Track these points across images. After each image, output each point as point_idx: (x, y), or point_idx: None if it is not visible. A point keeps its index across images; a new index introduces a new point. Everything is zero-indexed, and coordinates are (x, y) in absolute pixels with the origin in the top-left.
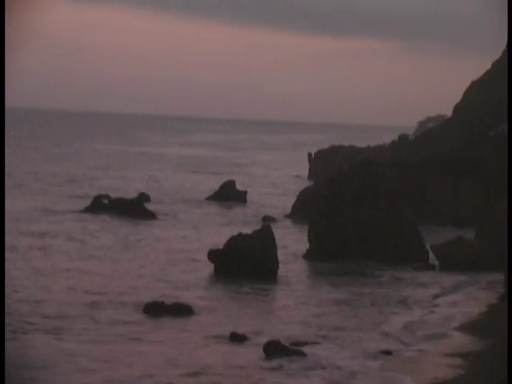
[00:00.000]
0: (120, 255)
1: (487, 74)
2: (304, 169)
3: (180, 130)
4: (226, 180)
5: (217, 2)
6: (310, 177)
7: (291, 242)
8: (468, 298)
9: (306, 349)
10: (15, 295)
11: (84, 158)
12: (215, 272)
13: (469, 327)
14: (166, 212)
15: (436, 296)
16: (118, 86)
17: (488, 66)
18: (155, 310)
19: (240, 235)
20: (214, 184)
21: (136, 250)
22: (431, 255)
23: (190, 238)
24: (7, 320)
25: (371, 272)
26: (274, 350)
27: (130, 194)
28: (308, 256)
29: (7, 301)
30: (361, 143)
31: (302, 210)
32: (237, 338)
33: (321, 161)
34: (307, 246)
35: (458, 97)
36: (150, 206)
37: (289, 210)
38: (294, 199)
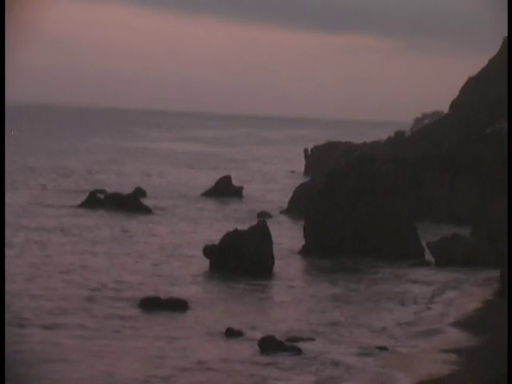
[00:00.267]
0: (116, 250)
1: (484, 71)
2: (300, 164)
3: (178, 126)
4: (222, 175)
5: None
6: (306, 172)
7: (287, 237)
8: (463, 295)
9: (301, 344)
10: (11, 289)
11: (81, 153)
12: (210, 268)
13: (464, 323)
14: (162, 207)
15: (431, 292)
16: (118, 82)
17: (485, 63)
18: (151, 304)
19: (236, 231)
20: (210, 179)
21: (132, 245)
22: (427, 252)
23: (186, 234)
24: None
25: (367, 268)
26: (269, 345)
27: (127, 189)
28: (304, 252)
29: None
30: (358, 139)
31: (298, 205)
32: (232, 334)
33: (317, 157)
34: (303, 242)
35: (454, 93)
36: (146, 201)
37: (285, 206)
38: (290, 195)
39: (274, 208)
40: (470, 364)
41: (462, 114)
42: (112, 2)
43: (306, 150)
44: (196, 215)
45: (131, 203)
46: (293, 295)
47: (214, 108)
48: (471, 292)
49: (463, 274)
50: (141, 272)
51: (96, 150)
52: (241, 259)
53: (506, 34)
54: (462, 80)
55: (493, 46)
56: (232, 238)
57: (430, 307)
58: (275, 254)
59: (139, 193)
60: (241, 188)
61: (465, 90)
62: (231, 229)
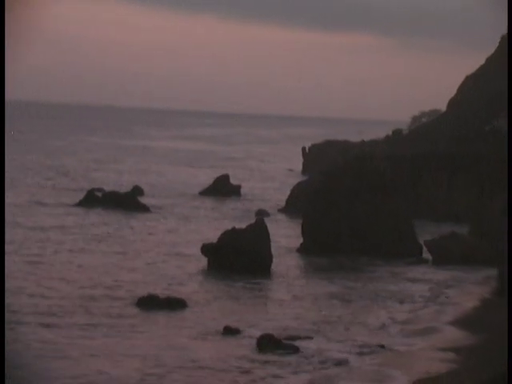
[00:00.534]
0: (113, 249)
1: (481, 69)
2: (298, 163)
3: (176, 124)
4: (220, 174)
5: None
6: (304, 171)
7: (285, 236)
8: (461, 293)
9: (299, 343)
10: (8, 287)
11: (79, 152)
12: (208, 266)
13: (462, 322)
14: (160, 206)
15: (429, 291)
16: (117, 81)
17: (482, 61)
18: (149, 303)
19: (234, 229)
20: (208, 178)
21: (129, 244)
22: (425, 250)
23: (183, 232)
24: None
25: (365, 266)
26: (267, 343)
27: (124, 187)
28: (302, 250)
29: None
30: (356, 138)
31: (296, 204)
32: (230, 332)
33: (315, 155)
34: (301, 240)
35: (452, 92)
36: (143, 200)
37: (283, 204)
38: (288, 193)
39: (271, 206)
40: (468, 362)
41: (460, 113)
42: (110, 1)
43: (303, 149)
44: (194, 214)
45: (129, 202)
46: (291, 293)
47: (213, 106)
48: (469, 290)
49: (461, 272)
50: (138, 270)
51: (94, 149)
52: (239, 257)
53: (504, 33)
54: (460, 78)
55: (490, 45)
56: (230, 236)
57: (428, 305)
58: (273, 252)
59: (137, 191)
60: (239, 186)
61: (462, 88)
62: (229, 227)
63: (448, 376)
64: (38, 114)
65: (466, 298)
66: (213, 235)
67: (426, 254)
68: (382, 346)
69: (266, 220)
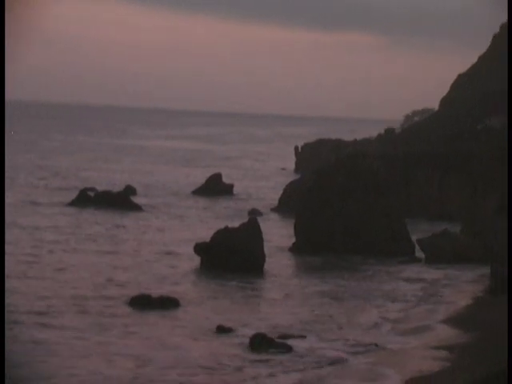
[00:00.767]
0: (106, 248)
1: (474, 67)
2: (291, 162)
3: (171, 124)
4: (212, 173)
5: None
6: (296, 170)
7: (277, 235)
8: (454, 291)
9: (291, 342)
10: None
11: (72, 151)
12: (201, 265)
13: (454, 320)
14: (153, 205)
15: (421, 289)
16: (113, 81)
17: (474, 59)
18: (142, 303)
19: (226, 229)
20: (201, 177)
21: (122, 243)
22: (417, 248)
23: (176, 232)
24: None
25: (357, 265)
26: (260, 342)
27: (117, 187)
28: (294, 249)
29: None
30: (349, 136)
31: (289, 203)
32: (223, 331)
33: (307, 154)
34: (293, 239)
35: (444, 90)
36: (136, 199)
37: (275, 203)
38: (280, 192)
39: (264, 205)
40: (461, 360)
41: (452, 111)
42: (110, 1)
43: (296, 148)
44: (186, 213)
45: (121, 201)
46: (283, 292)
47: (208, 106)
48: (462, 289)
49: (454, 270)
50: (131, 270)
51: (88, 148)
52: (232, 257)
53: (496, 32)
54: (451, 75)
55: (480, 42)
56: (223, 235)
57: (421, 304)
58: (266, 251)
59: (129, 191)
60: (231, 186)
61: (455, 86)
62: (222, 226)
63: (441, 374)
64: (37, 113)
65: (458, 296)
66: (206, 234)
67: (419, 253)
68: (375, 345)
69: (259, 219)
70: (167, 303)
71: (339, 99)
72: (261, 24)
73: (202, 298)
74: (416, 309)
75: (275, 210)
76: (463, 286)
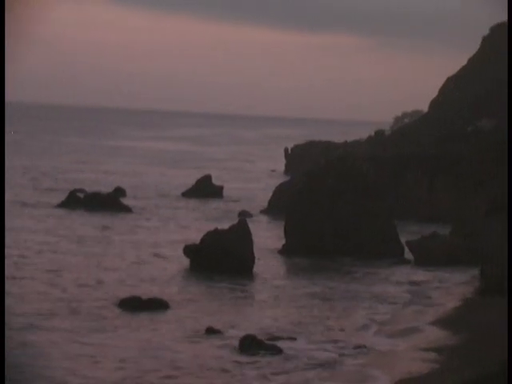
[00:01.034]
0: (95, 250)
1: (463, 69)
2: (281, 164)
3: (161, 125)
4: (202, 175)
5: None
6: (286, 171)
7: (267, 237)
8: (443, 293)
9: (281, 343)
10: None
11: (61, 152)
12: (191, 267)
13: (443, 322)
14: (142, 207)
15: (411, 291)
16: (101, 81)
17: (464, 61)
18: (131, 305)
19: (216, 230)
20: (191, 179)
21: (111, 245)
22: (407, 250)
23: (166, 233)
24: None
25: (347, 267)
26: (250, 344)
27: (107, 188)
28: (284, 251)
29: None
30: (339, 138)
31: (278, 205)
32: (213, 333)
33: (297, 156)
34: (283, 241)
35: (434, 93)
36: (126, 201)
37: (265, 205)
38: (270, 194)
39: (254, 207)
40: (450, 362)
41: (441, 113)
42: (103, 3)
43: (286, 149)
44: (176, 215)
45: (111, 202)
46: (273, 294)
47: (200, 107)
48: (451, 290)
49: (443, 272)
50: (120, 272)
51: (78, 150)
52: (221, 258)
53: (485, 34)
54: (440, 77)
55: (469, 44)
56: (212, 237)
57: (410, 305)
58: (255, 253)
59: (119, 192)
60: (221, 187)
61: (444, 89)
62: (211, 228)
63: (430, 376)
64: (22, 114)
65: (448, 298)
66: (195, 236)
67: (408, 255)
68: (364, 347)
69: (249, 221)
70: (157, 305)
71: (330, 101)
72: (253, 26)
73: (192, 300)
74: (405, 310)
75: (265, 211)
76: (452, 288)
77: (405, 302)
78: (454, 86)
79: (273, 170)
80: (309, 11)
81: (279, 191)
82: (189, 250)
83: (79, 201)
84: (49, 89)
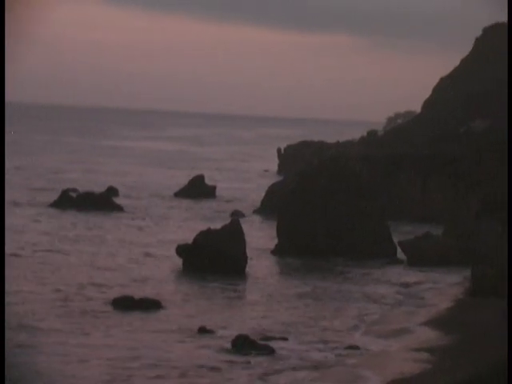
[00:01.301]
0: (87, 249)
1: (456, 70)
2: (274, 163)
3: (155, 125)
4: (195, 175)
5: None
6: (279, 171)
7: (260, 237)
8: (435, 293)
9: (273, 343)
10: None
11: (55, 152)
12: (183, 267)
13: (435, 322)
14: (135, 206)
15: (403, 291)
16: (97, 81)
17: (457, 62)
18: (123, 304)
19: (208, 230)
20: (184, 179)
21: (104, 244)
22: (399, 250)
23: (158, 233)
24: None
25: (339, 267)
26: (242, 344)
27: (100, 187)
28: (276, 251)
29: None
30: (332, 138)
31: (271, 205)
32: (205, 332)
33: (290, 156)
34: (276, 241)
35: (427, 93)
36: (118, 201)
37: (258, 205)
38: (263, 194)
39: (246, 207)
40: (442, 362)
41: (435, 114)
42: (103, 3)
43: (279, 149)
44: (169, 214)
45: (103, 202)
46: (265, 294)
47: (200, 107)
48: (443, 291)
49: (435, 273)
50: (113, 271)
51: (72, 149)
52: (214, 258)
53: (478, 35)
54: (435, 79)
55: (463, 44)
56: (205, 236)
57: (402, 306)
58: (248, 253)
59: (112, 192)
60: (214, 187)
61: (437, 89)
62: (204, 228)
63: (422, 376)
64: (18, 114)
65: (439, 298)
66: (188, 236)
67: (401, 255)
68: (356, 347)
69: (241, 221)
70: (149, 305)
71: (330, 101)
72: (253, 26)
73: (184, 300)
74: (397, 311)
75: (257, 211)
76: (445, 288)
77: (397, 302)
78: (447, 87)
79: (266, 170)
80: (308, 11)
81: (272, 191)
82: (181, 250)
83: (72, 200)
84: (49, 89)
